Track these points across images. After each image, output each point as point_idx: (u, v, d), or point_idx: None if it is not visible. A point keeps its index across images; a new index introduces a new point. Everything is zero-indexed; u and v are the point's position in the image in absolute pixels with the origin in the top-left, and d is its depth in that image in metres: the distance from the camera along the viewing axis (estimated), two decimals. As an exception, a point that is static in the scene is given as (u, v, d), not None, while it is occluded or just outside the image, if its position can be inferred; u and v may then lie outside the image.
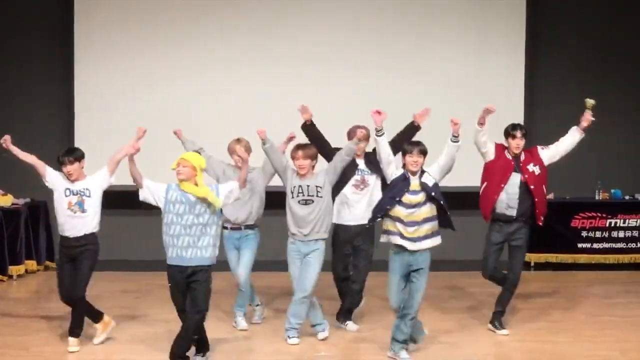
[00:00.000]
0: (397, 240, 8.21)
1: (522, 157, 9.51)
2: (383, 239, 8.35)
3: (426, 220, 8.23)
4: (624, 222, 13.07)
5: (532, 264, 12.99)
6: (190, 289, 7.93)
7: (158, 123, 12.73)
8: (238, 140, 9.44)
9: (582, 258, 13.03)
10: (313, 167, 8.91)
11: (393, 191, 8.30)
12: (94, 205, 8.73)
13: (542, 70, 13.47)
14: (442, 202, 8.24)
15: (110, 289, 11.18)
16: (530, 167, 9.52)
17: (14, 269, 12.11)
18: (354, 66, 13.20)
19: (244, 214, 9.35)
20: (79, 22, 13.06)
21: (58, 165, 8.78)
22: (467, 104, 13.03)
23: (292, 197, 8.82)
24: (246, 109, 13.02)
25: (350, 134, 9.21)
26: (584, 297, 11.25)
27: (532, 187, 9.37)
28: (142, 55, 13.13)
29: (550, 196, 12.96)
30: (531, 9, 13.25)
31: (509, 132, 9.52)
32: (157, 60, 13.13)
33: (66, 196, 8.63)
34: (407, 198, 8.21)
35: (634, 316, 10.20)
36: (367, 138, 9.21)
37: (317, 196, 8.78)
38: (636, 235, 13.05)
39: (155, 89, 13.10)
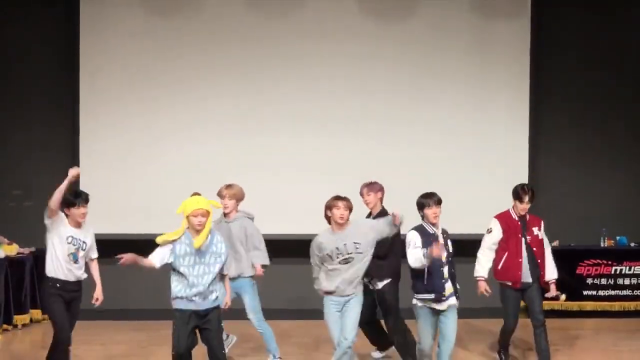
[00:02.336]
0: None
1: (527, 217, 9.79)
2: None
3: None
4: (629, 270, 13.04)
5: (537, 311, 12.93)
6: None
7: (161, 171, 12.88)
8: (229, 186, 9.68)
9: (588, 305, 12.98)
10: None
11: None
12: (83, 257, 8.78)
13: (546, 119, 13.49)
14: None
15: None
16: (535, 231, 9.81)
17: (19, 319, 12.09)
18: (354, 114, 13.21)
19: None
20: (83, 77, 13.08)
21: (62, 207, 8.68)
22: (471, 149, 13.14)
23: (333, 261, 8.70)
24: (252, 159, 13.03)
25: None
26: (590, 345, 11.20)
27: (534, 249, 9.69)
28: (147, 108, 13.14)
29: (555, 243, 13.01)
30: (534, 54, 13.29)
31: (518, 194, 9.71)
32: (164, 98, 13.12)
33: (67, 243, 8.58)
34: None
35: (641, 364, 10.17)
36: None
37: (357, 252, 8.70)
38: (642, 282, 13.04)
39: (159, 139, 13.10)
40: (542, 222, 9.96)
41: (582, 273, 13.02)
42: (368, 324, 9.91)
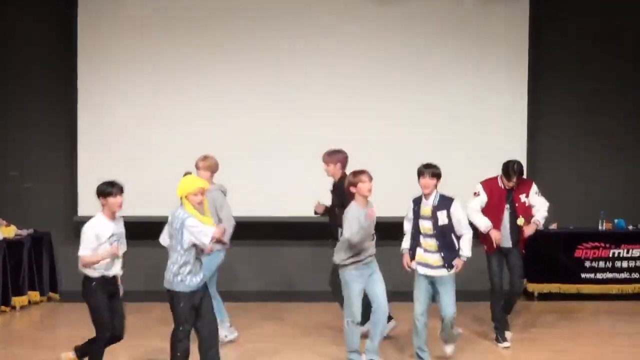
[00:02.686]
0: None
1: (515, 186, 10.05)
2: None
3: None
4: (627, 252, 13.03)
5: (536, 294, 12.95)
6: None
7: (160, 154, 12.87)
8: (205, 158, 9.83)
9: (586, 288, 12.98)
10: None
11: None
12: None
13: (544, 101, 13.46)
14: None
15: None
16: (522, 198, 10.08)
17: (17, 300, 12.09)
18: (354, 98, 13.19)
19: None
20: (81, 56, 13.05)
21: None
22: (470, 133, 13.14)
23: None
24: (248, 139, 13.02)
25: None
26: (588, 328, 11.21)
27: (520, 216, 10.02)
28: (147, 83, 13.09)
29: (554, 226, 13.02)
30: (533, 38, 13.26)
31: (508, 172, 9.94)
32: (162, 87, 13.08)
33: (111, 244, 8.34)
34: None
35: (638, 346, 10.16)
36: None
37: None
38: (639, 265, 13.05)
39: (158, 121, 13.07)
40: (533, 186, 10.21)
41: (581, 256, 13.01)
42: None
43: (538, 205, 10.16)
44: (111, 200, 8.18)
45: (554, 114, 13.55)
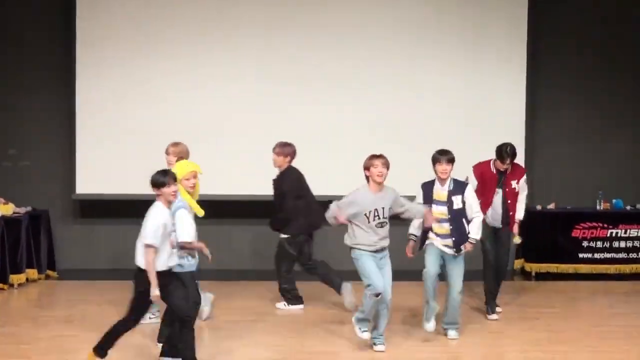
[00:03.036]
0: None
1: (509, 169, 10.21)
2: None
3: None
4: (625, 233, 13.05)
5: (533, 274, 12.99)
6: None
7: (159, 131, 12.84)
8: (175, 144, 9.80)
9: (583, 268, 13.01)
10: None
11: None
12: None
13: (543, 83, 13.44)
14: None
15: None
16: (513, 184, 10.28)
17: (14, 278, 12.09)
18: (351, 79, 13.16)
19: None
20: (80, 29, 13.01)
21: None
22: (470, 113, 13.11)
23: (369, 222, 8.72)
24: (247, 118, 13.02)
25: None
26: (585, 308, 11.24)
27: (509, 202, 10.22)
28: (144, 63, 13.08)
29: (552, 206, 13.04)
30: (532, 18, 13.22)
31: (501, 154, 10.08)
32: (160, 68, 13.06)
33: (169, 234, 8.11)
34: None
35: (635, 326, 10.18)
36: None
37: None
38: (637, 245, 13.03)
39: (156, 97, 13.06)
40: (525, 174, 10.43)
41: (578, 236, 13.03)
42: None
43: (520, 194, 10.39)
44: (165, 190, 7.98)
45: (553, 94, 13.54)
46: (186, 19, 13.06)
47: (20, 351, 8.92)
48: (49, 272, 12.86)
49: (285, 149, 10.65)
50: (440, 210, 9.12)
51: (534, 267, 12.98)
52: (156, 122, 12.95)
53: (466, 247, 9.17)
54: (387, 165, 8.65)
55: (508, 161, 10.02)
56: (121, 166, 12.80)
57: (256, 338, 9.44)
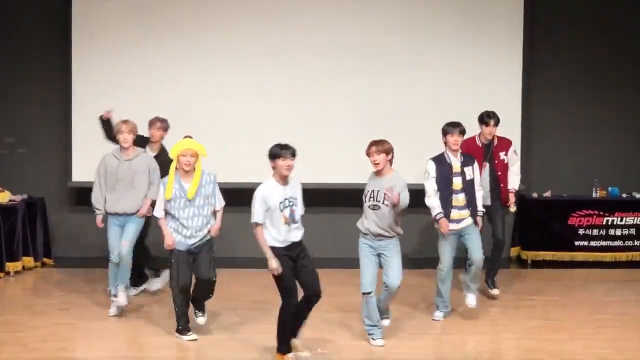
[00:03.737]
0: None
1: (495, 142, 10.38)
2: None
3: None
4: (621, 220, 13.05)
5: (529, 261, 12.99)
6: None
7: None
8: (125, 122, 9.91)
9: (579, 256, 13.01)
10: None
11: None
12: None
13: (539, 71, 13.40)
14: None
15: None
16: (502, 155, 10.43)
17: (10, 266, 12.09)
18: (351, 64, 13.12)
19: None
20: (76, 17, 12.95)
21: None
22: (465, 102, 13.10)
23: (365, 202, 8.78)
24: (246, 104, 12.98)
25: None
26: (581, 295, 11.24)
27: (499, 173, 10.36)
28: (140, 51, 12.99)
29: (548, 194, 13.06)
30: (528, 8, 13.19)
31: (483, 119, 10.30)
32: (156, 55, 12.98)
33: (281, 210, 8.09)
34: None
35: (631, 314, 10.20)
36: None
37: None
38: (633, 233, 13.03)
39: (154, 84, 12.99)
40: (512, 145, 10.57)
41: (574, 224, 13.03)
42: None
43: (513, 165, 10.52)
44: (279, 162, 7.95)
45: (549, 83, 13.51)
46: (183, 10, 12.98)
47: (16, 339, 8.93)
48: (45, 259, 12.83)
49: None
50: (457, 182, 9.39)
51: (530, 255, 12.99)
52: (152, 112, 12.86)
53: (478, 222, 9.48)
54: (382, 151, 8.58)
55: (492, 123, 10.19)
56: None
57: (255, 327, 9.45)
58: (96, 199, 9.86)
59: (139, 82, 13.00)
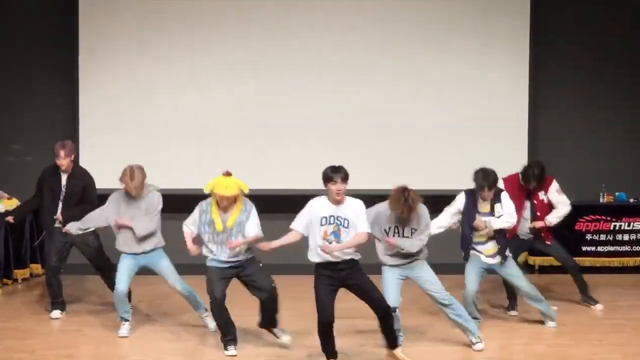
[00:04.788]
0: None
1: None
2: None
3: None
4: (628, 225, 13.05)
5: (536, 267, 12.98)
6: None
7: (161, 128, 12.88)
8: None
9: (587, 261, 12.98)
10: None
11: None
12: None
13: (546, 76, 13.39)
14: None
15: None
16: (541, 195, 10.47)
17: (19, 273, 12.12)
18: (354, 71, 13.11)
19: None
20: (83, 30, 12.96)
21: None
22: (472, 107, 13.11)
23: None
24: (250, 116, 12.98)
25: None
26: (589, 301, 11.25)
27: (538, 214, 10.40)
28: (145, 63, 13.01)
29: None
30: (534, 12, 13.19)
31: (528, 179, 10.32)
32: (161, 68, 12.99)
33: (322, 225, 8.19)
34: None
35: (638, 319, 10.20)
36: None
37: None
38: (640, 238, 13.07)
39: (158, 95, 13.00)
40: (553, 183, 10.58)
41: (581, 229, 13.03)
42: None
43: (558, 204, 10.53)
44: (330, 186, 8.10)
45: (555, 87, 13.50)
46: (187, 16, 12.99)
47: (24, 346, 8.96)
48: (53, 267, 12.85)
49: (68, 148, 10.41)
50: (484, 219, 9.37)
51: (537, 260, 12.97)
52: (158, 120, 12.95)
53: (477, 224, 9.30)
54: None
55: (532, 185, 10.29)
56: (123, 162, 12.71)
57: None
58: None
59: (145, 92, 13.01)
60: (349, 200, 8.22)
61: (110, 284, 9.97)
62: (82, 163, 12.82)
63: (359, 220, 8.18)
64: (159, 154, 12.64)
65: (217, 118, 12.96)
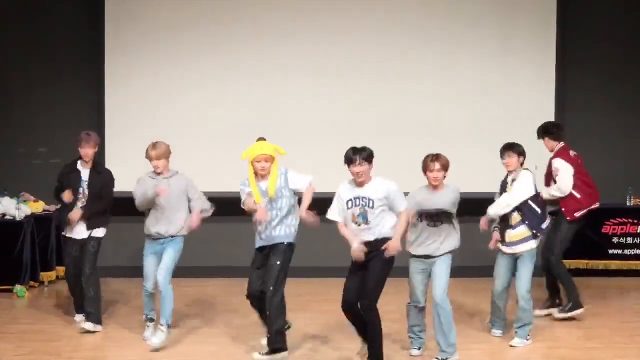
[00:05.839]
0: None
1: None
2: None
3: None
4: (655, 228, 13.00)
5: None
6: None
7: (185, 131, 12.91)
8: (154, 146, 9.42)
9: (614, 264, 12.94)
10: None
11: None
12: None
13: (573, 76, 13.32)
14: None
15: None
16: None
17: (45, 276, 12.19)
18: (373, 74, 13.11)
19: None
20: (109, 34, 13.04)
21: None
22: (498, 108, 13.08)
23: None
24: (272, 116, 12.99)
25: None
26: (615, 304, 11.19)
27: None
28: (170, 66, 13.05)
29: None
30: (561, 12, 13.14)
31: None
32: (185, 70, 13.04)
33: (348, 208, 8.23)
34: None
35: (664, 323, 10.16)
36: None
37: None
38: (668, 241, 12.99)
39: (183, 100, 13.06)
40: (555, 160, 10.70)
41: (608, 232, 12.97)
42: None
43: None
44: (351, 168, 8.15)
45: (582, 90, 13.44)
46: (211, 21, 13.04)
47: (50, 348, 9.01)
48: (79, 269, 12.91)
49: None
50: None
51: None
52: (183, 123, 12.97)
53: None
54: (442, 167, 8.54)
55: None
56: (149, 165, 12.85)
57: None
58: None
59: (170, 96, 13.06)
60: (375, 180, 8.19)
61: (81, 291, 9.86)
62: (108, 165, 12.91)
63: (390, 200, 8.14)
64: (184, 159, 12.60)
65: (238, 120, 12.97)
